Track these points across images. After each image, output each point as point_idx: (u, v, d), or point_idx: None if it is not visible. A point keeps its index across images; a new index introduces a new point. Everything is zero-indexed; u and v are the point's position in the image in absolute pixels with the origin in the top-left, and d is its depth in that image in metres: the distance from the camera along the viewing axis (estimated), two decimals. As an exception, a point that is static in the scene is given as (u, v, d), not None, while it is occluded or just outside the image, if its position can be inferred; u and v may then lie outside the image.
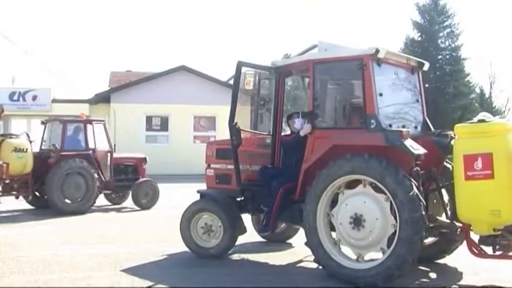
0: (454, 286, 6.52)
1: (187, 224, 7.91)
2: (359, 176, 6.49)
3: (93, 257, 7.90)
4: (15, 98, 27.40)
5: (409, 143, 6.32)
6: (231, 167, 7.84)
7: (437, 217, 6.98)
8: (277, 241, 8.72)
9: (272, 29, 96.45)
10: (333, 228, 6.78)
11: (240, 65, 7.53)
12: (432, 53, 56.68)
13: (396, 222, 6.21)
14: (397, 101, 7.34)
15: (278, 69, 7.70)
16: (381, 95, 6.73)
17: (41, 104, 27.52)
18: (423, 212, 6.15)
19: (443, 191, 6.96)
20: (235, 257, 7.95)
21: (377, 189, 6.38)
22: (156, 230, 10.44)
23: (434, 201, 7.14)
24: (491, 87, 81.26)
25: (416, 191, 6.15)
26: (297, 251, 8.25)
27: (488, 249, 6.37)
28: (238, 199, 8.01)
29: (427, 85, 57.19)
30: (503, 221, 5.97)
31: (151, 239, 9.44)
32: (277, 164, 7.66)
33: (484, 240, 6.30)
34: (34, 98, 27.49)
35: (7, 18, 67.10)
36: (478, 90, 75.51)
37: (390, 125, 6.70)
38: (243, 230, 7.85)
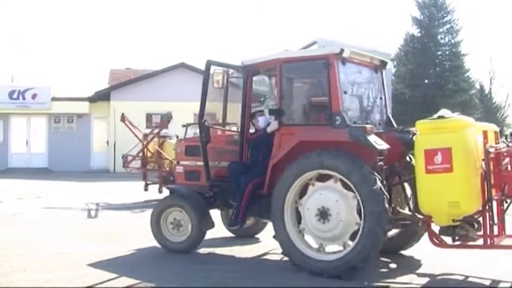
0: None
1: (157, 219, 8.07)
2: (326, 171, 6.70)
3: (95, 254, 7.92)
4: (15, 96, 27.33)
5: (373, 138, 6.55)
6: (200, 163, 8.03)
7: (400, 210, 7.20)
8: (245, 236, 8.95)
9: (272, 25, 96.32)
10: (300, 220, 6.97)
11: (209, 63, 7.72)
12: (432, 49, 56.64)
13: (361, 220, 6.43)
14: (361, 99, 7.62)
15: (246, 68, 7.87)
16: (345, 92, 6.97)
17: (41, 102, 27.47)
18: (386, 206, 6.38)
19: (406, 184, 7.18)
20: (203, 251, 8.11)
21: (346, 186, 6.59)
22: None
23: (397, 194, 7.35)
24: (491, 83, 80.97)
25: (380, 185, 6.37)
26: (264, 245, 8.50)
27: (448, 240, 6.63)
28: (207, 195, 8.17)
29: (426, 81, 57.29)
30: (461, 212, 6.24)
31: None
32: (246, 160, 7.83)
33: (444, 230, 6.59)
34: (34, 96, 27.44)
35: (6, 16, 67.03)
36: (478, 86, 75.32)
37: (355, 122, 6.91)
38: (211, 225, 8.03)
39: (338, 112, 6.78)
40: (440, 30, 59.21)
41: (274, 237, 7.15)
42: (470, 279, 6.63)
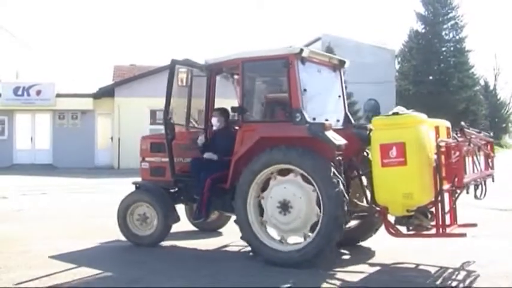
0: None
1: (123, 214, 8.24)
2: (287, 166, 6.96)
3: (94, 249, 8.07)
4: (20, 92, 27.36)
5: (331, 134, 6.85)
6: (165, 159, 8.24)
7: (358, 202, 7.52)
8: (208, 230, 9.19)
9: (274, 24, 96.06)
10: (262, 212, 7.21)
11: (173, 63, 7.98)
12: (436, 45, 56.51)
13: (320, 212, 6.72)
14: (320, 96, 7.86)
15: (209, 67, 8.13)
16: (305, 90, 7.20)
17: (45, 99, 27.51)
18: (344, 199, 6.69)
19: (363, 178, 7.50)
20: (168, 244, 8.30)
21: (306, 180, 6.86)
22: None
23: (355, 187, 7.65)
24: (495, 79, 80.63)
25: (339, 180, 6.67)
26: (225, 238, 8.79)
27: (403, 229, 7.01)
28: (172, 190, 8.39)
29: (430, 77, 57.13)
30: (415, 202, 6.58)
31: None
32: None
33: (399, 220, 6.94)
34: (38, 92, 27.47)
35: (10, 13, 67.10)
36: (482, 83, 74.94)
37: (314, 118, 7.15)
38: (177, 219, 8.23)
39: (298, 109, 7.04)
40: (445, 26, 58.98)
41: (235, 221, 7.40)
42: (420, 267, 6.96)
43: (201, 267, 6.97)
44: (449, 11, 56.77)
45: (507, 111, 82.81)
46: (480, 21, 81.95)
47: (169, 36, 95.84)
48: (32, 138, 28.09)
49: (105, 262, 7.26)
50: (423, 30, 57.86)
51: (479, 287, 5.96)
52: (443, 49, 57.17)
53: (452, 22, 57.37)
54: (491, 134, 9.00)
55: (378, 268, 7.00)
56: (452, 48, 57.65)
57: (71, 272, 6.69)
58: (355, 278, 6.52)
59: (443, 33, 57.27)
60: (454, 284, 6.23)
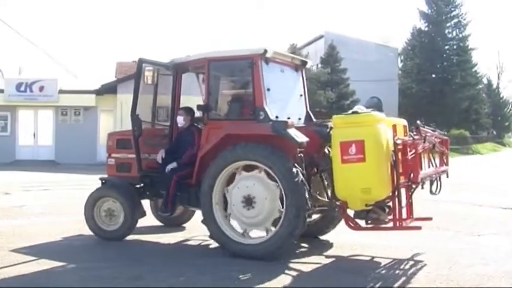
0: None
1: (90, 209, 8.40)
2: (251, 162, 7.21)
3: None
4: (22, 88, 27.28)
5: (293, 132, 7.13)
6: (131, 156, 8.42)
7: (319, 197, 7.79)
8: (173, 225, 9.39)
9: (274, 23, 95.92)
10: (227, 206, 7.47)
11: (140, 61, 8.18)
12: (439, 43, 56.39)
13: (283, 207, 7.00)
14: (283, 95, 8.15)
15: (176, 66, 8.33)
16: (268, 89, 7.46)
17: (48, 95, 27.46)
18: (306, 194, 6.98)
19: (324, 174, 7.78)
20: (133, 237, 8.48)
21: (270, 176, 7.13)
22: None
23: (316, 183, 7.91)
24: (498, 77, 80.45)
25: (301, 175, 6.96)
26: (188, 232, 9.08)
27: (362, 223, 7.36)
28: (138, 186, 8.57)
29: (433, 75, 56.99)
30: (373, 197, 6.89)
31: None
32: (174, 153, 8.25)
33: (358, 214, 7.29)
34: (41, 88, 27.42)
35: (13, 9, 67.11)
36: (485, 81, 74.60)
37: (277, 117, 7.41)
38: (143, 214, 8.45)
39: (261, 108, 7.31)
40: (448, 24, 58.85)
41: (202, 221, 7.59)
42: (375, 259, 7.30)
43: (164, 262, 7.10)
44: (452, 9, 56.69)
45: (510, 110, 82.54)
46: (483, 19, 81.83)
47: (171, 34, 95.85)
48: (34, 134, 28.09)
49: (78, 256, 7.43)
50: (426, 29, 57.76)
51: (481, 287, 5.94)
52: (446, 47, 57.09)
53: (456, 20, 57.28)
54: (445, 132, 9.21)
55: (333, 259, 7.36)
56: (455, 47, 57.56)
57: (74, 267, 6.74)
58: (309, 268, 6.85)
59: (446, 31, 57.20)
60: (400, 273, 6.60)
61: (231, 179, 7.42)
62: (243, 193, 7.22)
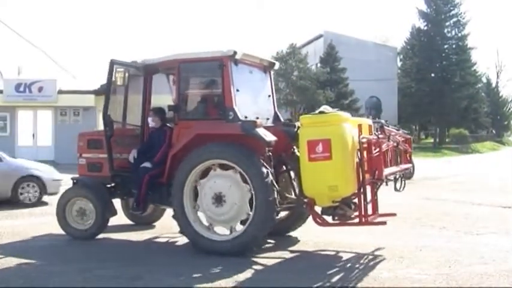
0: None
1: (62, 209, 8.48)
2: (222, 161, 7.40)
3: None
4: (21, 89, 27.09)
5: (262, 131, 7.35)
6: (102, 155, 8.49)
7: (287, 195, 8.03)
8: (143, 223, 9.54)
9: (277, 21, 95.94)
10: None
11: (112, 63, 8.27)
12: (438, 43, 56.31)
13: (251, 210, 7.20)
14: (252, 96, 8.40)
15: (146, 67, 8.47)
16: (238, 90, 7.67)
17: (47, 95, 27.32)
18: (275, 193, 7.21)
19: (292, 172, 7.99)
20: (104, 236, 8.63)
21: (225, 168, 7.38)
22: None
23: (284, 181, 8.16)
24: (497, 76, 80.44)
25: (270, 175, 7.17)
26: (157, 230, 9.30)
27: (329, 219, 7.58)
28: (109, 185, 8.65)
29: (432, 75, 56.90)
30: (339, 194, 7.13)
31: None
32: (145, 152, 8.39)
33: (325, 211, 7.52)
34: (40, 89, 27.28)
35: (12, 9, 67.03)
36: (484, 80, 74.53)
37: (246, 117, 7.61)
38: (114, 213, 8.57)
39: (231, 108, 7.50)
40: (447, 23, 58.77)
41: (173, 217, 7.73)
42: (340, 254, 7.56)
43: (134, 259, 7.30)
44: (451, 8, 56.67)
45: (509, 109, 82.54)
46: (482, 18, 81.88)
47: (170, 34, 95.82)
48: (33, 135, 27.99)
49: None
50: (425, 28, 57.73)
51: (481, 287, 5.94)
52: (446, 46, 57.07)
53: (455, 19, 57.27)
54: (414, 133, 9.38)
55: (297, 254, 7.64)
56: (454, 46, 57.54)
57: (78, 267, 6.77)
58: (272, 262, 7.14)
59: (445, 30, 57.16)
60: (361, 267, 6.88)
61: (205, 173, 7.57)
62: (214, 190, 7.39)
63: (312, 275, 6.39)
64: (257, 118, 7.68)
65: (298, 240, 8.40)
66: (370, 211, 7.54)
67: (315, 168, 7.02)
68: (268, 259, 7.26)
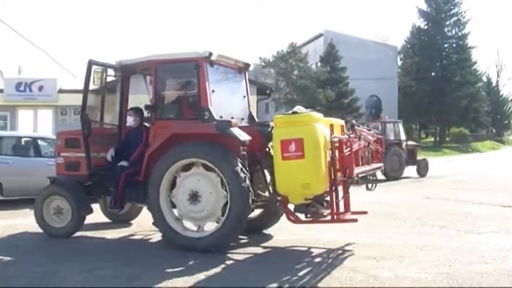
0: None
1: (40, 207, 8.64)
2: (197, 160, 7.58)
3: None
4: (22, 88, 27.15)
5: (237, 131, 7.54)
6: (80, 155, 8.63)
7: (261, 193, 8.19)
8: (120, 221, 9.69)
9: (277, 21, 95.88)
10: (174, 207, 7.82)
11: (90, 63, 8.44)
12: (438, 42, 56.24)
13: (227, 193, 7.38)
14: (227, 96, 8.58)
15: (124, 68, 8.66)
16: (213, 91, 7.83)
17: (47, 95, 27.37)
18: (249, 191, 7.39)
19: (266, 171, 8.13)
20: (81, 234, 8.78)
21: (208, 168, 7.52)
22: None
23: (259, 179, 8.29)
24: (498, 75, 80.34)
25: (245, 175, 7.35)
26: (135, 227, 9.49)
27: (302, 216, 7.73)
28: (87, 184, 8.77)
29: (433, 74, 56.84)
30: (312, 192, 7.29)
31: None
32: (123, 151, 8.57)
33: (298, 208, 7.68)
34: (40, 88, 27.32)
35: (13, 9, 67.06)
36: (484, 79, 74.46)
37: (221, 117, 7.78)
38: (90, 211, 8.68)
39: (206, 108, 7.67)
40: (447, 22, 58.68)
41: (148, 209, 7.94)
42: (311, 249, 7.73)
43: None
44: (451, 7, 56.60)
45: (509, 108, 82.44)
46: (483, 17, 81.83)
47: (171, 35, 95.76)
48: (34, 134, 28.09)
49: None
50: (425, 27, 57.65)
51: (482, 287, 5.94)
52: (446, 46, 57.01)
53: (455, 18, 57.19)
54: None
55: (268, 250, 7.84)
56: (454, 45, 57.48)
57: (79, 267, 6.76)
58: (242, 257, 7.33)
59: (445, 29, 57.07)
60: (331, 261, 7.08)
61: (173, 185, 7.75)
62: (187, 191, 7.57)
63: (279, 272, 6.44)
64: (232, 118, 7.84)
65: (272, 237, 8.61)
66: (342, 209, 7.73)
67: (288, 166, 7.20)
68: (239, 255, 7.44)
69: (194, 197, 7.55)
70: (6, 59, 31.98)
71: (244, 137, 7.55)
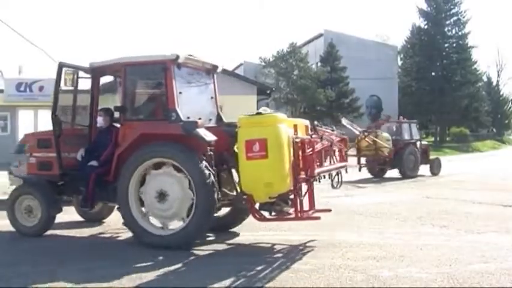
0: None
1: (11, 206, 8.84)
2: (165, 159, 7.79)
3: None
4: (22, 88, 27.10)
5: (202, 131, 7.75)
6: (52, 155, 8.81)
7: (228, 192, 8.42)
8: (93, 220, 9.90)
9: (278, 20, 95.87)
10: (142, 204, 8.02)
11: (60, 65, 8.66)
12: (439, 41, 56.19)
13: (194, 195, 7.59)
14: (195, 98, 8.80)
15: (94, 70, 8.86)
16: (180, 92, 8.05)
17: (48, 95, 27.27)
18: (215, 189, 7.60)
19: (233, 170, 8.33)
20: (54, 232, 8.95)
21: (177, 169, 7.72)
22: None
23: (226, 178, 8.52)
24: (498, 75, 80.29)
25: (211, 174, 7.55)
26: (106, 226, 9.72)
27: (267, 214, 7.98)
28: (59, 183, 8.95)
29: (433, 73, 56.79)
30: (275, 190, 7.47)
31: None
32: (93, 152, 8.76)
33: (263, 207, 7.92)
34: (41, 88, 27.26)
35: (13, 9, 67.05)
36: (485, 78, 74.29)
37: (188, 117, 7.97)
38: (59, 210, 8.87)
39: (173, 109, 7.87)
40: (448, 22, 58.63)
41: (118, 209, 8.17)
42: (275, 246, 7.95)
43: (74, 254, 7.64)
44: (451, 7, 56.54)
45: (510, 108, 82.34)
46: (483, 17, 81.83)
47: (172, 34, 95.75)
48: (34, 134, 28.07)
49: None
50: (426, 27, 57.61)
51: (482, 286, 5.95)
52: (446, 45, 56.96)
53: (455, 18, 57.14)
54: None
55: (232, 246, 8.07)
56: (454, 45, 57.43)
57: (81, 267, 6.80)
58: (203, 253, 7.58)
59: (445, 29, 57.02)
60: (296, 256, 7.30)
61: (142, 181, 7.95)
62: (155, 189, 7.78)
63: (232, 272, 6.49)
64: (199, 119, 8.01)
65: (237, 233, 8.82)
66: (308, 207, 7.98)
67: (252, 166, 7.37)
68: (200, 251, 7.66)
69: (162, 196, 7.75)
70: (6, 59, 31.98)
71: (209, 137, 7.74)
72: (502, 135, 73.87)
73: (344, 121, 22.95)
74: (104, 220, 10.00)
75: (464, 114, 54.28)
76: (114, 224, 9.39)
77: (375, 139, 20.70)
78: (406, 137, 22.07)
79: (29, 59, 36.13)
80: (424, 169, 21.93)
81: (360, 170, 20.52)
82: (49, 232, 8.82)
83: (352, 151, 20.41)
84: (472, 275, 6.26)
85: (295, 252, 7.56)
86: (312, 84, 45.70)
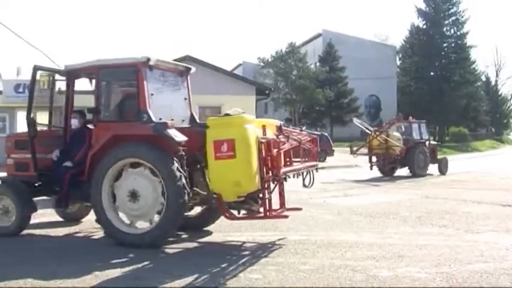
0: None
1: None
2: (137, 160, 7.96)
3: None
4: (21, 90, 27.11)
5: (173, 132, 7.89)
6: (29, 156, 8.99)
7: (200, 191, 8.54)
8: (72, 220, 10.09)
9: (277, 20, 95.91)
10: (115, 200, 8.20)
11: (35, 68, 8.88)
12: (437, 41, 56.30)
13: (165, 200, 7.76)
14: (167, 99, 8.93)
15: (69, 72, 9.09)
16: (152, 94, 8.25)
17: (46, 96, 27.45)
18: (186, 188, 7.77)
19: (206, 170, 8.41)
20: (30, 232, 9.11)
21: (153, 172, 7.89)
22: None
23: (198, 178, 8.66)
24: (497, 74, 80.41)
25: (181, 173, 7.72)
26: (82, 226, 9.84)
27: (236, 213, 8.22)
28: (36, 184, 9.12)
29: (432, 73, 56.86)
30: (243, 190, 7.64)
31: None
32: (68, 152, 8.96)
33: (232, 205, 8.10)
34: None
35: (12, 10, 67.04)
36: (483, 78, 74.44)
37: (160, 119, 8.15)
38: (33, 210, 9.02)
39: (145, 110, 8.07)
40: (446, 22, 58.75)
41: (91, 205, 8.36)
42: (245, 244, 8.13)
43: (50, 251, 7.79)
44: (450, 6, 56.65)
45: (509, 107, 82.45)
46: (481, 16, 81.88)
47: (173, 34, 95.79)
48: (33, 136, 28.04)
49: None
50: (424, 26, 57.72)
51: (481, 286, 5.94)
52: (445, 45, 57.06)
53: (454, 18, 57.25)
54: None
55: (200, 244, 8.24)
56: (453, 44, 57.53)
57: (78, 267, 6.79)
58: (174, 250, 7.78)
59: (444, 29, 57.12)
60: (263, 253, 7.47)
61: (118, 175, 8.13)
62: (129, 188, 7.96)
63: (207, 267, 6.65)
64: (172, 120, 8.20)
65: (211, 233, 8.97)
66: (277, 205, 8.20)
67: (220, 166, 7.54)
68: (172, 249, 7.84)
69: (134, 195, 7.92)
70: (4, 60, 31.90)
71: (180, 137, 7.89)
72: (501, 135, 73.94)
73: (355, 120, 23.38)
74: (82, 220, 10.12)
75: (463, 114, 54.34)
76: (90, 223, 9.52)
77: (387, 138, 21.18)
78: (416, 136, 22.60)
79: (28, 61, 35.97)
80: (432, 168, 22.35)
81: (371, 169, 21.54)
82: (24, 232, 8.93)
83: (361, 151, 21.36)
84: (471, 275, 6.26)
85: (292, 252, 7.57)
86: (310, 84, 45.73)
